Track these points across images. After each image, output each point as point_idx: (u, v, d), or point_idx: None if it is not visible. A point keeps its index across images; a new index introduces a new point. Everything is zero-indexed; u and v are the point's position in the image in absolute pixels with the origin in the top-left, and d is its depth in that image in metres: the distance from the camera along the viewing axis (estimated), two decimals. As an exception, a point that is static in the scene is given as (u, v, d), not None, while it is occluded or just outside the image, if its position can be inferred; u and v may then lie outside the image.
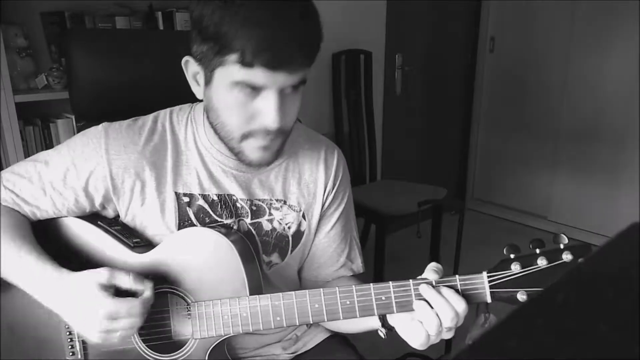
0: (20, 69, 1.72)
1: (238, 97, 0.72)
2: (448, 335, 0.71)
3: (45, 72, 1.74)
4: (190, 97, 0.88)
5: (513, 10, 3.21)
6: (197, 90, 0.80)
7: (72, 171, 0.81)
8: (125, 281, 0.73)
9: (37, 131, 1.72)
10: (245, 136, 0.76)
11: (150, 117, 0.87)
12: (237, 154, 0.79)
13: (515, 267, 0.68)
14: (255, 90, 0.71)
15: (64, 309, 0.74)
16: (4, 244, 0.76)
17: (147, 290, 0.73)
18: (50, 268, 0.75)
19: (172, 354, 0.80)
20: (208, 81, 0.75)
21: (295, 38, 0.69)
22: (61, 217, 0.84)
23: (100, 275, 0.72)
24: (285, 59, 0.69)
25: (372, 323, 0.80)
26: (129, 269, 0.80)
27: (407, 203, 2.22)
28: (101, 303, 0.70)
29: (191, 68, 0.78)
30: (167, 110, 0.88)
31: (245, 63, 0.68)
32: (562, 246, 0.67)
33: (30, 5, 1.74)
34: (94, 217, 0.85)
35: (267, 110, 0.72)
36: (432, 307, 0.69)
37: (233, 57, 0.68)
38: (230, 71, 0.70)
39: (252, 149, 0.77)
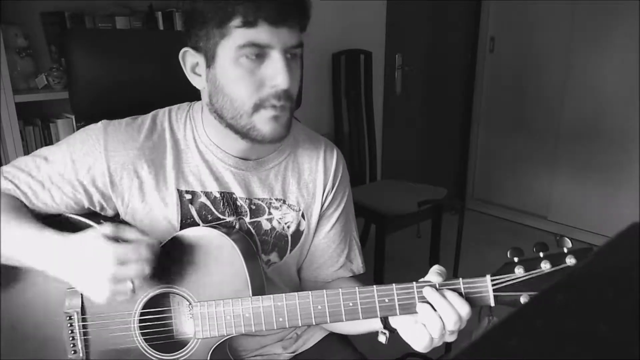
0: (20, 69, 1.72)
1: (245, 65, 0.74)
2: (451, 339, 0.71)
3: (45, 72, 1.74)
4: (189, 97, 0.88)
5: (513, 10, 3.21)
6: (197, 81, 0.81)
7: (71, 166, 0.81)
8: (130, 232, 0.71)
9: (37, 131, 1.72)
10: (256, 107, 0.76)
11: (149, 115, 0.87)
12: (247, 132, 0.78)
13: (519, 271, 0.68)
14: (260, 54, 0.74)
15: (71, 269, 0.71)
16: (4, 223, 0.75)
17: (151, 238, 0.72)
18: (54, 233, 0.73)
19: (174, 354, 0.80)
20: (211, 62, 0.77)
21: None
22: (60, 215, 0.84)
23: (104, 227, 0.71)
24: (285, 13, 0.72)
25: (373, 325, 0.79)
26: None
27: (407, 203, 2.22)
28: (109, 249, 0.68)
29: (189, 59, 0.80)
30: (166, 109, 0.89)
31: (248, 23, 0.71)
32: (565, 250, 0.67)
33: (30, 5, 1.74)
34: (95, 216, 0.85)
35: (275, 71, 0.74)
36: (435, 310, 0.69)
37: (235, 21, 0.72)
38: (234, 38, 0.73)
39: (264, 121, 0.77)
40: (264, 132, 0.78)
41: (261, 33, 0.72)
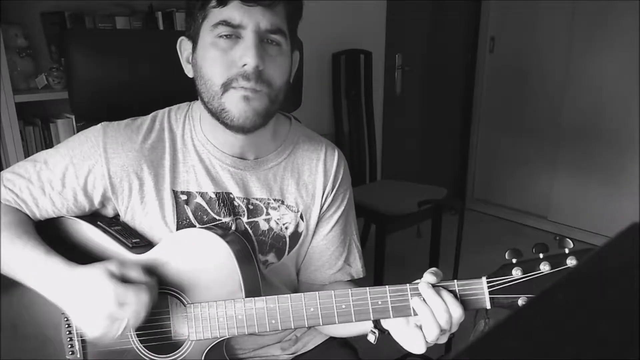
0: (20, 69, 1.72)
1: (219, 46, 0.75)
2: (442, 340, 0.71)
3: (45, 72, 1.74)
4: (189, 97, 0.88)
5: (513, 10, 3.21)
6: (189, 69, 0.83)
7: (71, 170, 0.81)
8: (134, 272, 0.73)
9: (37, 131, 1.72)
10: (225, 86, 0.75)
11: (149, 116, 0.87)
12: (220, 113, 0.77)
13: (517, 273, 0.66)
14: (234, 34, 0.74)
15: (71, 302, 0.73)
16: (8, 241, 0.76)
17: (153, 281, 0.74)
18: (59, 261, 0.74)
19: (169, 355, 0.80)
20: (195, 46, 0.79)
21: None
22: (61, 216, 0.84)
23: (110, 264, 0.72)
24: None
25: (364, 327, 0.79)
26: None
27: (407, 203, 2.22)
28: (111, 288, 0.70)
29: (184, 48, 0.83)
30: (166, 109, 0.89)
31: (221, 1, 0.73)
32: (567, 251, 0.65)
33: (30, 5, 1.74)
34: (93, 217, 0.85)
35: (245, 50, 0.74)
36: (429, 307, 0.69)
37: (213, 2, 0.74)
38: (210, 19, 0.75)
39: (234, 101, 0.76)
40: (233, 114, 0.76)
41: (233, 11, 0.73)
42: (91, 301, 0.71)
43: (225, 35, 0.74)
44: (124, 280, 0.72)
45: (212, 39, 0.75)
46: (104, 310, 0.70)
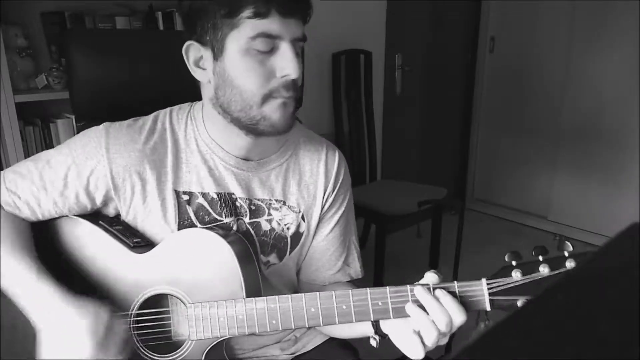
0: (20, 69, 1.72)
1: (255, 56, 0.74)
2: (442, 342, 0.71)
3: (45, 72, 1.74)
4: (189, 97, 0.88)
5: (513, 10, 3.21)
6: (201, 74, 0.80)
7: (73, 170, 0.81)
8: (118, 342, 0.74)
9: (37, 131, 1.72)
10: (266, 97, 0.76)
11: (151, 116, 0.87)
12: (257, 123, 0.78)
13: (516, 275, 0.66)
14: (271, 44, 0.74)
15: (46, 336, 0.73)
16: (3, 255, 0.76)
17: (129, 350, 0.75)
18: (49, 289, 0.74)
19: (169, 355, 0.80)
20: (219, 54, 0.76)
21: None
22: (62, 215, 0.84)
23: (99, 316, 0.73)
24: (294, 3, 0.74)
25: (365, 329, 0.79)
26: (127, 270, 0.80)
27: (407, 203, 2.23)
28: (89, 347, 0.71)
29: (193, 53, 0.79)
30: (167, 109, 0.89)
31: (259, 14, 0.72)
32: (566, 254, 0.65)
33: (30, 5, 1.74)
34: (95, 216, 0.85)
35: (285, 61, 0.74)
36: (427, 313, 0.68)
37: (246, 12, 0.72)
38: (245, 29, 0.73)
39: (274, 108, 0.77)
40: (274, 120, 0.77)
41: (272, 24, 0.72)
42: (66, 344, 0.72)
43: (263, 46, 0.74)
44: (109, 332, 0.73)
45: (246, 48, 0.74)
46: (74, 357, 0.71)
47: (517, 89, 3.28)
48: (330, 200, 0.92)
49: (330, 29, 2.48)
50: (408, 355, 0.72)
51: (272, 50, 0.74)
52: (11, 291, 0.76)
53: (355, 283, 0.96)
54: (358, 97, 2.69)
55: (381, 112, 2.89)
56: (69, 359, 0.71)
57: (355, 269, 0.97)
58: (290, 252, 0.91)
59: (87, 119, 1.06)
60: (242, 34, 0.73)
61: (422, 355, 0.70)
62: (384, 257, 2.20)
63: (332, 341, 1.00)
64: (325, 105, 2.66)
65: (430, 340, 0.68)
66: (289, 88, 0.76)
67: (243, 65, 0.75)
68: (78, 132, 0.87)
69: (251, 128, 0.79)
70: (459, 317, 0.67)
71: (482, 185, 3.61)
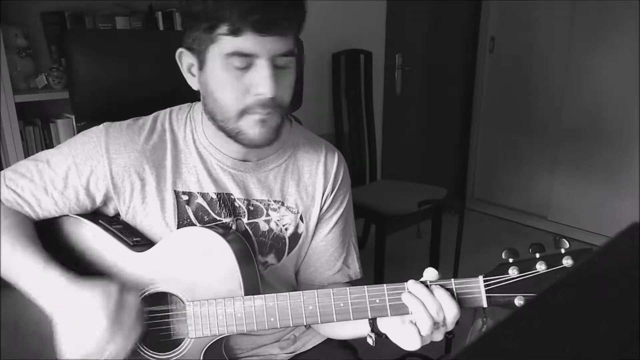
0: (20, 69, 1.72)
1: (231, 72, 0.73)
2: (438, 337, 0.71)
3: (45, 72, 1.74)
4: (189, 97, 0.88)
5: (513, 10, 3.21)
6: (192, 81, 0.81)
7: (73, 170, 0.81)
8: (131, 298, 0.74)
9: (37, 131, 1.71)
10: (242, 112, 0.76)
11: (150, 117, 0.87)
12: (236, 135, 0.78)
13: (513, 272, 0.67)
14: (247, 61, 0.73)
15: (62, 317, 0.73)
16: (8, 245, 0.76)
17: (143, 323, 0.74)
18: (57, 272, 0.75)
19: (168, 353, 0.80)
20: (202, 65, 0.77)
21: (280, 1, 0.71)
22: (63, 215, 0.84)
23: (110, 286, 0.73)
24: (272, 21, 0.70)
25: (362, 330, 0.79)
26: (127, 269, 0.80)
27: (407, 203, 2.22)
28: (104, 316, 0.71)
29: (185, 60, 0.80)
30: (167, 110, 0.89)
31: (234, 31, 0.70)
32: (563, 251, 0.66)
33: (30, 5, 1.74)
34: (95, 215, 0.86)
35: (260, 80, 0.73)
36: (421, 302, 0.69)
37: (223, 28, 0.71)
38: (222, 45, 0.72)
39: (250, 124, 0.76)
40: (251, 136, 0.77)
41: (247, 42, 0.71)
42: (81, 324, 0.71)
43: (239, 63, 0.73)
44: (120, 306, 0.72)
45: (223, 64, 0.74)
46: (91, 336, 0.70)
47: (517, 89, 3.28)
48: (329, 201, 0.92)
49: (330, 29, 2.48)
50: (405, 347, 0.72)
51: (249, 67, 0.73)
52: (19, 281, 0.75)
53: (355, 284, 0.96)
54: (358, 97, 2.69)
55: (381, 112, 2.89)
56: (86, 338, 0.70)
57: (355, 269, 0.97)
58: (288, 253, 0.91)
59: (87, 119, 1.06)
60: (219, 50, 0.73)
61: (418, 345, 0.70)
62: (384, 257, 2.20)
63: (331, 340, 1.00)
64: (325, 105, 2.66)
65: (425, 328, 0.68)
66: (266, 106, 0.75)
67: (220, 79, 0.75)
68: (78, 132, 0.87)
69: (233, 138, 0.79)
70: (451, 309, 0.68)
71: (482, 185, 3.61)
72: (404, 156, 3.20)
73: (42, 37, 1.79)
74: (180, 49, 0.80)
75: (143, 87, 1.08)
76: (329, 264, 0.94)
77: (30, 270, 0.75)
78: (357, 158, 2.70)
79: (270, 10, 0.70)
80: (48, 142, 1.73)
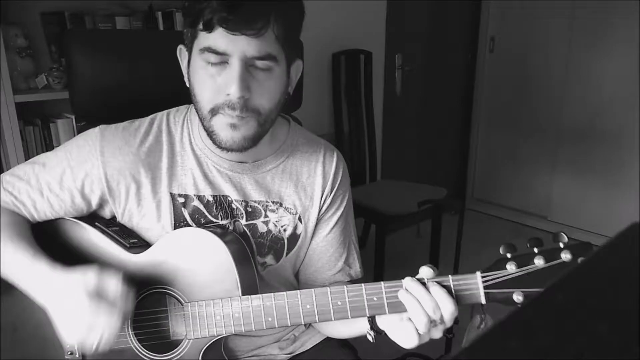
0: (20, 69, 1.72)
1: (208, 70, 0.74)
2: (436, 334, 0.70)
3: (45, 72, 1.74)
4: (189, 98, 0.88)
5: (513, 10, 3.20)
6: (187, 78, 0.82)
7: (68, 173, 0.81)
8: (112, 284, 0.72)
9: (37, 131, 1.71)
10: (213, 111, 0.76)
11: (147, 119, 0.87)
12: (211, 135, 0.78)
13: (511, 267, 0.66)
14: (221, 59, 0.73)
15: (52, 305, 0.74)
16: (2, 244, 0.77)
17: (129, 303, 0.73)
18: (44, 264, 0.75)
19: (167, 354, 0.80)
20: (189, 61, 0.78)
21: (255, 2, 0.71)
22: (59, 218, 0.84)
23: (88, 273, 0.72)
24: (243, 20, 0.70)
25: (361, 328, 0.79)
26: (125, 270, 0.80)
27: (407, 203, 2.22)
28: (83, 311, 0.70)
29: (183, 56, 0.82)
30: (165, 112, 0.89)
31: (206, 26, 0.71)
32: (561, 245, 0.65)
33: (30, 5, 1.74)
34: (91, 218, 0.86)
35: (229, 80, 0.73)
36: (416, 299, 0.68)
37: (200, 24, 0.72)
38: (199, 40, 0.74)
39: (221, 126, 0.76)
40: (221, 138, 0.77)
41: (219, 39, 0.71)
42: (69, 308, 0.72)
43: (213, 60, 0.73)
44: (101, 291, 0.72)
45: (201, 61, 0.74)
46: (80, 318, 0.70)
47: (517, 88, 3.28)
48: (329, 201, 0.92)
49: (330, 29, 2.48)
50: (403, 345, 0.71)
51: (223, 66, 0.73)
52: (12, 276, 0.77)
53: (355, 283, 0.96)
54: (358, 97, 2.69)
55: (381, 112, 2.89)
56: (76, 321, 0.71)
57: (356, 269, 0.97)
58: (287, 254, 0.90)
59: (87, 119, 1.06)
60: (197, 45, 0.74)
61: (415, 343, 0.70)
62: (384, 257, 2.20)
63: (330, 340, 1.00)
64: (325, 105, 2.66)
65: (421, 326, 0.68)
66: (235, 108, 0.74)
67: (198, 76, 0.76)
68: (78, 132, 0.88)
69: (210, 137, 0.79)
70: (447, 306, 0.67)
71: (482, 185, 3.61)
72: (404, 156, 3.20)
73: (42, 37, 1.79)
74: (180, 46, 0.82)
75: (143, 87, 1.08)
76: (329, 264, 0.94)
77: (20, 263, 0.76)
78: (357, 158, 2.70)
79: (242, 9, 0.69)
80: (48, 142, 1.73)
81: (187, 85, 0.82)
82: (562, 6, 2.93)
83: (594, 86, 2.89)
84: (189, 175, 0.84)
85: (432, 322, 0.68)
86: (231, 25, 0.69)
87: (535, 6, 3.08)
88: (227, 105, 0.74)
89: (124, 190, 0.82)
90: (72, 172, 0.81)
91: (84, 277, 0.72)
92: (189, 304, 0.77)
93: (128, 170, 0.82)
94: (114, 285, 0.72)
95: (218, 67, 0.73)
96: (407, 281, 0.70)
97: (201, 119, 0.79)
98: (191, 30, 0.75)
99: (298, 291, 0.74)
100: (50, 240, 0.84)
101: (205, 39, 0.72)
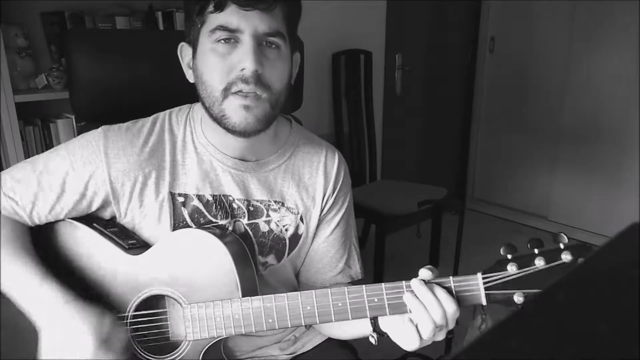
0: (20, 69, 1.72)
1: (218, 51, 0.75)
2: (440, 337, 0.70)
3: (45, 72, 1.74)
4: (189, 98, 0.88)
5: (513, 10, 3.20)
6: (190, 74, 0.83)
7: (71, 175, 0.80)
8: (121, 345, 0.74)
9: (37, 131, 1.71)
10: (226, 91, 0.75)
11: (150, 118, 0.87)
12: (221, 119, 0.78)
13: (512, 268, 0.66)
14: (232, 39, 0.74)
15: (49, 336, 0.73)
16: (7, 259, 0.76)
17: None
18: (54, 290, 0.75)
19: (166, 356, 0.80)
20: (194, 52, 0.79)
21: None
22: (58, 220, 0.84)
23: (103, 327, 0.73)
24: None
25: (363, 330, 0.79)
26: (123, 272, 0.80)
27: (407, 203, 2.22)
28: (86, 354, 0.71)
29: (185, 53, 0.83)
30: (167, 111, 0.89)
31: (218, 6, 0.73)
32: (561, 246, 0.65)
33: (30, 5, 1.74)
34: (89, 219, 0.85)
35: (243, 55, 0.74)
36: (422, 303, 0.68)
37: (210, 7, 0.74)
38: (209, 23, 0.75)
39: (234, 108, 0.76)
40: (234, 121, 0.77)
41: (230, 16, 0.73)
42: (69, 345, 0.72)
43: (224, 40, 0.74)
44: (110, 336, 0.73)
45: (211, 44, 0.75)
46: (76, 358, 0.71)
47: (517, 89, 3.28)
48: (330, 202, 0.92)
49: (330, 29, 2.48)
50: (404, 346, 0.71)
51: (235, 44, 0.75)
52: (12, 293, 0.76)
53: (355, 284, 0.96)
54: (358, 97, 2.69)
55: (381, 112, 2.89)
56: (70, 358, 0.71)
57: (356, 270, 0.97)
58: (288, 254, 0.90)
59: (87, 119, 1.06)
60: (206, 29, 0.75)
61: (417, 345, 0.70)
62: (384, 257, 2.20)
63: (331, 340, 1.00)
64: (325, 105, 2.66)
65: (427, 332, 0.68)
66: (249, 82, 0.74)
67: (208, 60, 0.76)
68: (78, 133, 0.87)
69: (219, 123, 0.79)
70: (450, 307, 0.67)
71: (482, 185, 3.61)
72: (404, 156, 3.20)
73: (42, 37, 1.79)
74: (181, 43, 0.82)
75: (143, 86, 1.08)
76: (330, 265, 0.94)
77: (25, 284, 0.75)
78: (357, 158, 2.70)
79: None
80: (48, 142, 1.73)
81: (191, 81, 0.82)
82: (562, 6, 2.93)
83: (594, 86, 2.88)
84: (190, 174, 0.84)
85: (437, 327, 0.68)
86: (244, 1, 0.72)
87: (535, 6, 3.08)
88: (240, 79, 0.74)
89: (127, 192, 0.82)
90: (75, 175, 0.80)
91: (100, 321, 0.72)
92: (188, 305, 0.77)
93: (132, 172, 0.81)
94: (125, 339, 0.73)
95: (229, 46, 0.74)
96: (417, 285, 0.69)
97: (210, 107, 0.78)
98: (199, 18, 0.76)
99: (298, 292, 0.74)
100: (49, 242, 0.83)
101: (215, 19, 0.74)
